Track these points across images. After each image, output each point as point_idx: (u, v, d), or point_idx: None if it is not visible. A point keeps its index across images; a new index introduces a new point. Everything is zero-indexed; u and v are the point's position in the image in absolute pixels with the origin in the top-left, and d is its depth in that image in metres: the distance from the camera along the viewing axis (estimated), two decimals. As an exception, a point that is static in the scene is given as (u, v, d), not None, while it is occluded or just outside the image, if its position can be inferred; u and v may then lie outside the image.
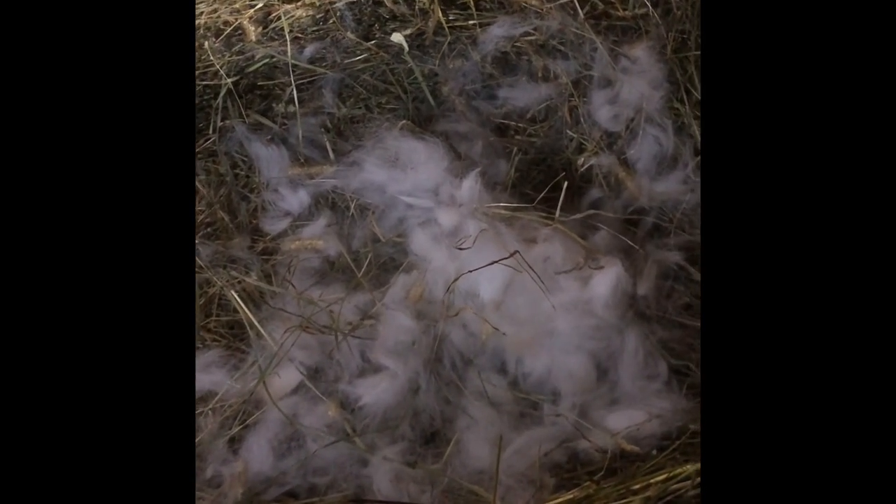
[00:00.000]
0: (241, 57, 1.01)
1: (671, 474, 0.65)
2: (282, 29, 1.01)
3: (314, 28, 1.04)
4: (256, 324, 0.82)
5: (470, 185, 0.85)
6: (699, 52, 1.02)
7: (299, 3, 1.02)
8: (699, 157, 0.98)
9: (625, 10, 1.02)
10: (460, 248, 0.80)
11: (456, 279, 0.79)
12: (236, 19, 1.00)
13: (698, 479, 0.63)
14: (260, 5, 1.02)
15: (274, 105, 1.05)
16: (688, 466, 0.64)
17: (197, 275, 0.90)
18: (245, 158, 1.03)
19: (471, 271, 0.77)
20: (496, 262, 0.75)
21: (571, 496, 0.68)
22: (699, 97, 1.00)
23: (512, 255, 0.76)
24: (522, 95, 1.03)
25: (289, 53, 0.99)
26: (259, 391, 0.79)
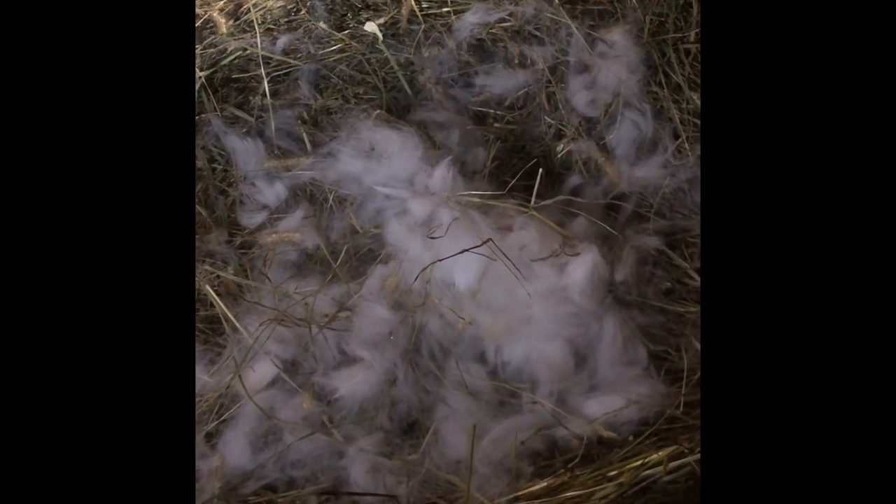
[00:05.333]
0: (213, 50, 1.00)
1: (644, 461, 0.65)
2: (253, 21, 1.00)
3: (286, 19, 1.03)
4: (232, 318, 0.82)
5: (442, 174, 0.85)
6: (678, 35, 1.01)
7: (269, -6, 1.02)
8: (679, 141, 0.98)
9: (601, -7, 1.01)
10: (432, 238, 0.79)
11: (425, 268, 0.78)
12: (206, 12, 0.99)
13: (671, 465, 0.63)
14: (229, -4, 1.02)
15: (251, 98, 1.04)
16: (660, 452, 0.64)
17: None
18: (222, 152, 1.02)
19: (441, 260, 0.77)
20: (467, 250, 0.75)
21: (546, 484, 0.68)
22: (678, 80, 1.00)
23: (484, 242, 0.75)
24: (499, 82, 1.03)
25: (258, 46, 0.99)
26: (236, 385, 0.78)
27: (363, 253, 0.92)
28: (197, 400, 0.80)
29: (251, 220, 0.98)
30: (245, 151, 1.00)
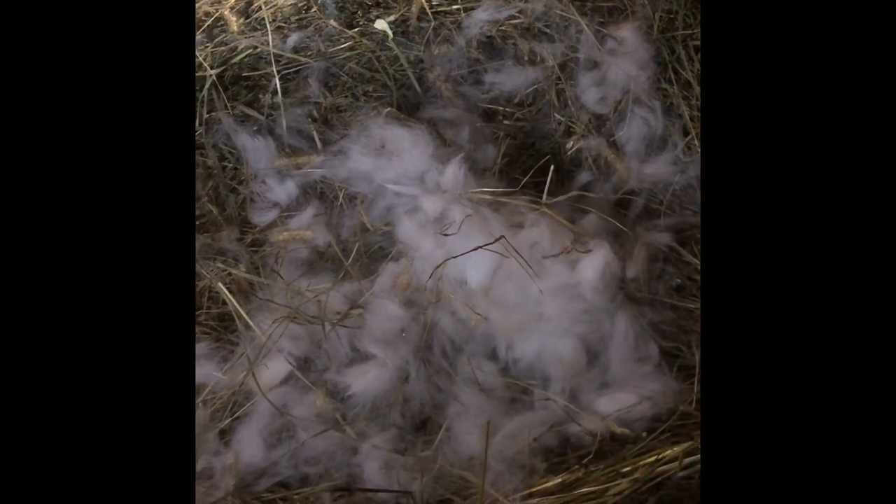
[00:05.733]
0: (224, 48, 1.00)
1: (659, 456, 0.65)
2: (264, 18, 1.00)
3: (297, 17, 1.03)
4: (245, 315, 0.82)
5: (454, 171, 0.85)
6: (687, 32, 1.01)
7: (280, -8, 1.02)
8: (688, 137, 0.98)
9: (610, -11, 1.01)
10: (445, 235, 0.79)
11: (438, 266, 0.79)
12: (217, 10, 1.00)
13: (686, 460, 0.63)
14: (240, -5, 1.02)
15: (261, 96, 1.04)
16: (675, 448, 0.64)
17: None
18: (233, 150, 1.02)
19: (454, 257, 0.77)
20: (480, 247, 0.75)
21: (560, 480, 0.68)
22: (688, 77, 1.00)
23: (497, 240, 0.75)
24: (509, 80, 1.03)
25: (270, 43, 0.99)
26: (249, 383, 0.79)
27: (374, 250, 0.93)
28: (210, 397, 0.80)
29: (262, 217, 0.98)
30: (256, 149, 1.00)
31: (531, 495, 0.68)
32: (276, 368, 0.80)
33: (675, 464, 0.64)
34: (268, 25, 1.01)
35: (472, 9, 1.02)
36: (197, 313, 0.90)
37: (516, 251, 0.77)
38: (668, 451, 0.65)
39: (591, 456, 0.70)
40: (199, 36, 1.00)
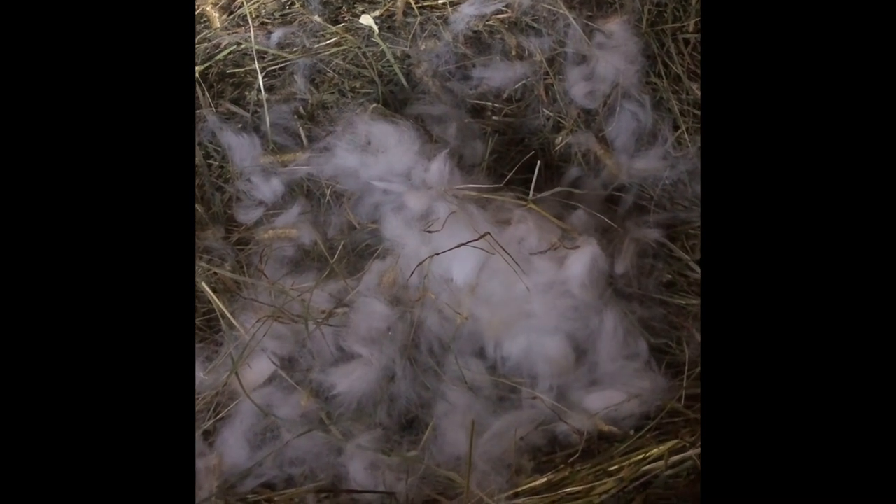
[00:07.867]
0: (207, 44, 0.99)
1: (645, 455, 0.64)
2: (247, 15, 0.99)
3: (280, 13, 1.02)
4: (228, 314, 0.81)
5: (439, 167, 0.84)
6: (676, 25, 1.00)
7: (263, -12, 1.01)
8: (679, 132, 0.97)
9: (599, -17, 1.01)
10: (429, 232, 0.78)
11: (421, 263, 0.78)
12: (199, 6, 0.99)
13: (671, 459, 0.63)
14: (223, -10, 1.01)
15: (246, 93, 1.03)
16: (661, 447, 0.64)
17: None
18: (218, 148, 1.01)
19: (437, 254, 0.76)
20: (464, 244, 0.74)
21: (546, 479, 0.67)
22: (677, 71, 0.99)
23: (482, 236, 0.74)
24: (497, 75, 1.02)
25: (252, 40, 0.98)
26: (232, 383, 0.78)
27: (360, 248, 0.92)
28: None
29: (248, 216, 0.97)
30: (241, 147, 0.99)
31: (517, 495, 0.67)
32: (259, 368, 0.79)
33: (661, 462, 0.63)
34: (250, 22, 1.00)
35: (459, 3, 1.01)
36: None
37: (502, 248, 0.76)
38: (655, 450, 0.64)
39: (577, 455, 0.69)
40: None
